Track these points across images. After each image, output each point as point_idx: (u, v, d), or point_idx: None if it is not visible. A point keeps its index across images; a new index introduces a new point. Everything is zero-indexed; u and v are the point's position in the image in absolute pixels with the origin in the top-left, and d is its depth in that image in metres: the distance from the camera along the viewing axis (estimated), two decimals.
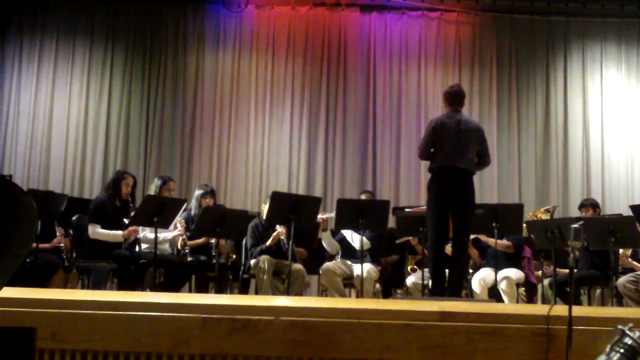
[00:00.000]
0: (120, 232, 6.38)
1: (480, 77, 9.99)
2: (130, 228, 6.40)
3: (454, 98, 5.84)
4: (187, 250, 6.69)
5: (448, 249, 5.85)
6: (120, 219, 6.45)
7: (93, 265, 6.32)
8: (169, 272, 6.52)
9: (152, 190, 6.90)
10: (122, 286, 6.34)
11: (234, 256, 7.29)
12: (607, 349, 2.62)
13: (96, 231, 6.37)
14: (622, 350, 2.58)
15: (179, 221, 6.72)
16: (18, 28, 9.88)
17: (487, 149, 5.87)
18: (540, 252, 7.08)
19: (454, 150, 5.61)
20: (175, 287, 6.44)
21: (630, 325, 2.63)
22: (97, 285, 6.20)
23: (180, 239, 6.73)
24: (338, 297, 6.59)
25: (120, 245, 6.45)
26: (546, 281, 7.13)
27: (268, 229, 6.95)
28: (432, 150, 5.74)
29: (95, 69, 9.85)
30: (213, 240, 6.66)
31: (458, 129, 5.64)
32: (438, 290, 5.53)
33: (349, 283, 6.92)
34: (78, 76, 9.83)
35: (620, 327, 2.63)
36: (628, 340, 2.59)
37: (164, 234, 6.65)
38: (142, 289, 6.35)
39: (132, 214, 6.39)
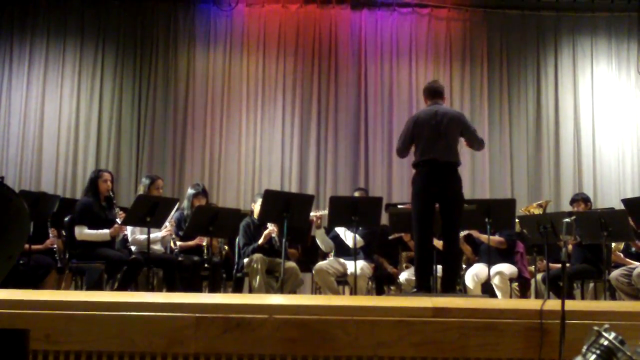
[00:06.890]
0: (106, 231, 6.37)
1: (471, 73, 10.00)
2: (117, 225, 6.40)
3: (433, 92, 5.85)
4: (177, 250, 6.69)
5: (440, 244, 5.84)
6: (108, 217, 6.47)
7: (86, 266, 6.30)
8: (166, 272, 6.53)
9: (141, 189, 6.90)
10: (117, 287, 6.33)
11: (226, 247, 7.27)
12: (584, 350, 2.63)
13: (83, 232, 6.35)
14: (598, 352, 2.59)
15: (168, 221, 6.70)
16: (8, 28, 9.82)
17: (474, 133, 5.78)
18: (532, 247, 7.09)
19: (431, 143, 5.57)
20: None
21: (606, 326, 2.64)
22: (91, 286, 6.18)
23: (171, 238, 6.73)
24: (331, 295, 6.59)
25: (110, 244, 6.44)
26: (539, 276, 7.13)
27: (260, 228, 6.94)
28: (413, 145, 5.73)
29: (86, 69, 9.82)
30: (205, 243, 6.68)
31: (435, 121, 5.60)
32: (423, 286, 5.44)
33: (343, 280, 6.93)
34: (69, 76, 9.79)
35: (596, 328, 2.64)
36: (604, 342, 2.60)
37: (154, 234, 6.63)
38: (137, 289, 6.34)
39: (117, 209, 6.45)
